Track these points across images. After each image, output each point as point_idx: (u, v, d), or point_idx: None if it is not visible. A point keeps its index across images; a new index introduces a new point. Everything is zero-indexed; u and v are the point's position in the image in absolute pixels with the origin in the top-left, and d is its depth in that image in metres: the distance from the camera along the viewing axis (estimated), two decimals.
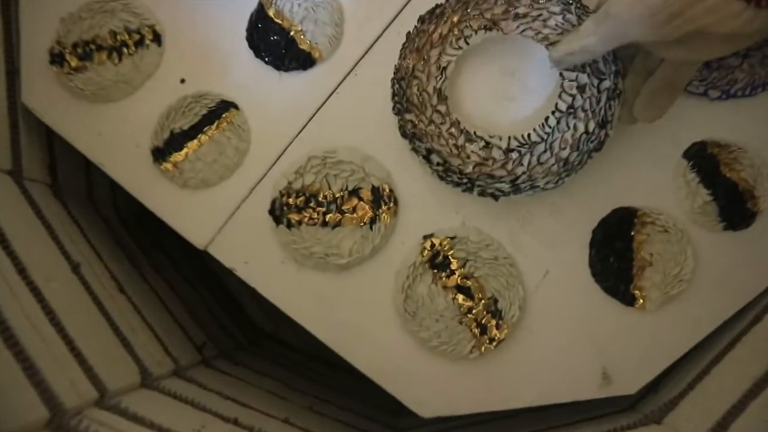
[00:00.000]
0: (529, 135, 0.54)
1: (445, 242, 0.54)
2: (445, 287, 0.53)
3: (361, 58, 0.59)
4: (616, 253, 0.55)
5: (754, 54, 0.59)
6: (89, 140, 0.58)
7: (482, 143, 0.54)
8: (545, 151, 0.53)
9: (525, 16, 0.56)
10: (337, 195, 0.55)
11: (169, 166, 0.56)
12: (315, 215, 0.54)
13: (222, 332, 0.81)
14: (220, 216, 0.56)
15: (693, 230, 0.55)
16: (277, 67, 0.58)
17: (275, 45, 0.58)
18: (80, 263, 0.57)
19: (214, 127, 0.57)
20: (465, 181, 0.54)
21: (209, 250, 0.55)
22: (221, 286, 0.92)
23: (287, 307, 0.54)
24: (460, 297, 0.53)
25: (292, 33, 0.58)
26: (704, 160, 0.56)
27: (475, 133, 0.55)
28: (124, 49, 0.59)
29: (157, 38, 0.59)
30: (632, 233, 0.55)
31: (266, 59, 0.58)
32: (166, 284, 0.75)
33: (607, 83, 0.53)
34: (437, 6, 0.57)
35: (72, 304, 0.52)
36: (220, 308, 0.86)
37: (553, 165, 0.53)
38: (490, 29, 0.56)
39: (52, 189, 0.64)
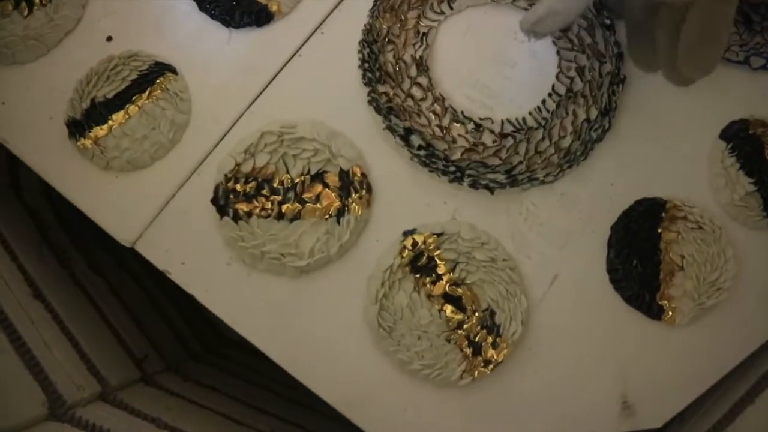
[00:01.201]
0: (524, 119, 0.45)
1: (430, 240, 0.43)
2: (429, 296, 0.43)
3: (329, 14, 0.48)
4: (639, 255, 0.45)
5: None
6: None
7: (471, 125, 0.44)
8: (543, 139, 0.45)
9: None
10: (297, 180, 0.44)
11: (88, 142, 0.45)
12: (268, 205, 0.43)
13: (174, 341, 0.70)
14: (151, 205, 0.45)
15: (733, 227, 0.45)
16: (226, 23, 0.47)
17: None
18: None
19: (145, 95, 0.46)
20: (453, 169, 0.44)
21: (137, 248, 0.44)
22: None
23: (233, 318, 0.43)
24: (449, 308, 0.43)
25: None
26: (746, 142, 0.47)
27: (462, 113, 0.44)
28: None
29: None
30: (659, 230, 0.45)
31: (212, 12, 0.47)
32: (107, 286, 0.64)
33: (608, 66, 0.46)
34: None
35: None
36: (175, 310, 0.75)
37: (552, 155, 0.44)
38: None
39: None
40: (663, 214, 0.45)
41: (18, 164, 0.62)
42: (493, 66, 0.47)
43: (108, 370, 0.52)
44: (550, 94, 0.47)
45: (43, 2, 0.48)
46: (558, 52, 0.48)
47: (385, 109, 0.45)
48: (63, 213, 0.66)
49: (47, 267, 0.56)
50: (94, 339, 0.54)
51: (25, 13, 0.48)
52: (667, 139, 0.47)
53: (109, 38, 0.48)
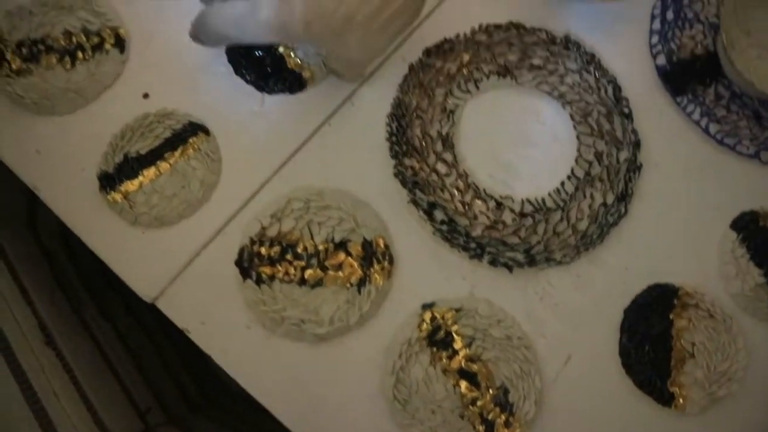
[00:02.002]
0: (543, 200, 0.46)
1: (448, 315, 0.44)
2: (445, 371, 0.43)
3: (360, 85, 0.50)
4: (651, 340, 0.45)
5: None
6: (25, 158, 0.48)
7: (492, 203, 0.46)
8: (561, 220, 0.46)
9: (541, 68, 0.49)
10: (321, 247, 0.45)
11: (118, 196, 0.46)
12: (292, 270, 0.44)
13: (176, 391, 0.69)
14: (175, 263, 0.45)
15: (744, 318, 0.46)
16: (260, 88, 0.49)
17: (259, 62, 0.49)
18: None
19: (177, 153, 0.47)
20: (473, 246, 0.45)
21: (158, 305, 0.45)
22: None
23: (249, 382, 0.43)
24: (464, 384, 0.43)
25: (280, 49, 0.49)
26: (756, 233, 0.48)
27: (485, 190, 0.46)
28: (79, 53, 0.50)
29: (120, 43, 0.50)
30: (671, 317, 0.46)
31: (247, 78, 0.49)
32: (115, 333, 0.64)
33: (625, 153, 0.48)
34: (446, 41, 0.50)
35: None
36: (178, 357, 0.75)
37: (570, 236, 0.45)
38: (503, 76, 0.49)
39: None
40: (675, 301, 0.46)
41: (37, 206, 0.63)
42: (515, 146, 0.49)
43: (113, 422, 0.51)
44: (569, 177, 0.48)
45: (86, 57, 0.49)
46: (578, 137, 0.49)
47: (411, 183, 0.46)
48: (77, 255, 0.66)
49: (59, 312, 0.56)
50: (100, 389, 0.53)
51: (68, 66, 0.49)
52: (680, 227, 0.48)
53: (146, 95, 0.49)
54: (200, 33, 0.43)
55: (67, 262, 0.65)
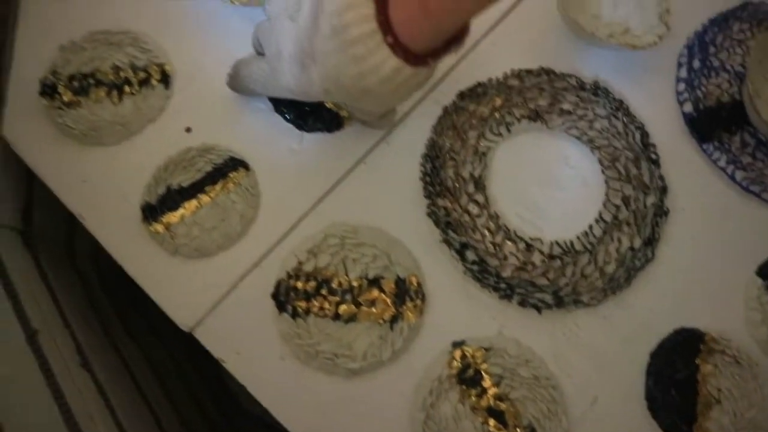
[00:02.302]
0: (572, 242, 0.47)
1: (478, 354, 0.45)
2: (474, 409, 0.44)
3: (395, 126, 0.52)
4: (677, 385, 0.46)
5: None
6: (71, 186, 0.50)
7: (523, 244, 0.47)
8: (589, 263, 0.47)
9: (570, 113, 0.51)
10: (355, 283, 0.46)
11: (160, 227, 0.48)
12: (326, 305, 0.45)
13: (199, 413, 0.70)
14: (212, 294, 0.47)
15: None
16: (299, 127, 0.51)
17: (298, 101, 0.51)
18: (39, 330, 0.48)
19: (218, 187, 0.49)
20: (503, 286, 0.46)
21: (195, 334, 0.46)
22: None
23: (281, 412, 0.44)
24: (492, 422, 0.44)
25: None
26: None
27: (515, 232, 0.47)
28: (126, 88, 0.52)
29: (165, 79, 0.52)
30: (697, 362, 0.46)
31: (287, 116, 0.51)
32: (141, 353, 0.65)
33: (652, 198, 0.50)
34: (479, 85, 0.51)
35: (17, 387, 0.43)
36: (200, 380, 0.76)
37: (597, 279, 0.46)
38: (534, 120, 0.50)
39: (23, 236, 0.55)
40: (701, 346, 0.47)
41: (75, 230, 0.65)
42: (545, 188, 0.50)
43: None
44: (597, 220, 0.49)
45: (133, 92, 0.52)
46: (606, 181, 0.51)
47: (444, 223, 0.47)
48: (104, 274, 0.68)
49: (93, 333, 0.57)
50: (130, 411, 0.55)
51: (116, 100, 0.51)
52: (706, 272, 0.49)
53: (188, 129, 0.51)
54: (234, 83, 0.47)
55: (97, 283, 0.67)
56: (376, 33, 0.34)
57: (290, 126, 0.51)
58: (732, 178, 0.52)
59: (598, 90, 0.53)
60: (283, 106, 0.51)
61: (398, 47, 0.34)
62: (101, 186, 0.50)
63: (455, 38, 0.37)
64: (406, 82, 0.36)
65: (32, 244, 0.55)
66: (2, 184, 0.53)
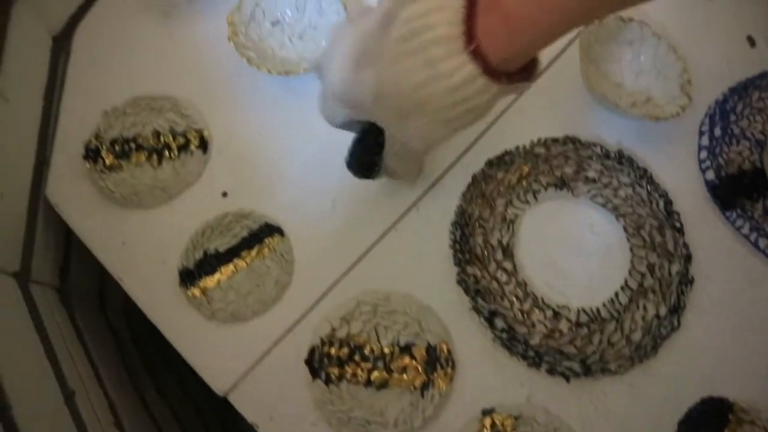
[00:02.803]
0: (598, 310, 0.48)
1: (507, 422, 0.45)
2: None
3: (425, 193, 0.53)
4: None
5: None
6: (111, 249, 0.52)
7: (550, 312, 0.48)
8: (615, 331, 0.48)
9: (595, 181, 0.52)
10: (386, 350, 0.47)
11: (197, 292, 0.49)
12: (359, 372, 0.46)
13: None
14: (247, 358, 0.48)
15: None
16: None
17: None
18: (75, 391, 0.49)
19: (254, 252, 0.50)
20: (532, 354, 0.47)
21: (230, 399, 0.47)
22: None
23: None
24: None
25: None
26: None
27: (542, 299, 0.48)
28: (166, 152, 0.54)
29: (204, 145, 0.54)
30: None
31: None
32: (170, 411, 0.66)
33: (677, 266, 0.51)
34: (506, 153, 0.53)
35: None
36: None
37: (624, 347, 0.47)
38: (560, 188, 0.52)
39: (60, 293, 0.57)
40: (730, 416, 0.47)
41: (106, 283, 0.66)
42: (571, 255, 0.52)
43: None
44: (622, 288, 0.50)
45: (172, 156, 0.54)
46: (631, 249, 0.52)
47: (473, 291, 0.48)
48: (137, 331, 0.70)
49: (126, 392, 0.58)
50: None
51: (155, 164, 0.53)
52: (733, 340, 0.50)
53: (225, 194, 0.53)
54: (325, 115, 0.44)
55: (128, 336, 0.68)
56: (459, 38, 0.34)
57: (322, 191, 0.53)
58: (756, 245, 0.53)
59: (622, 158, 0.54)
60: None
61: (478, 56, 0.34)
62: (140, 248, 0.51)
63: (528, 68, 0.37)
64: (471, 97, 0.36)
65: (68, 302, 0.57)
66: (45, 244, 0.54)
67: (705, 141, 0.57)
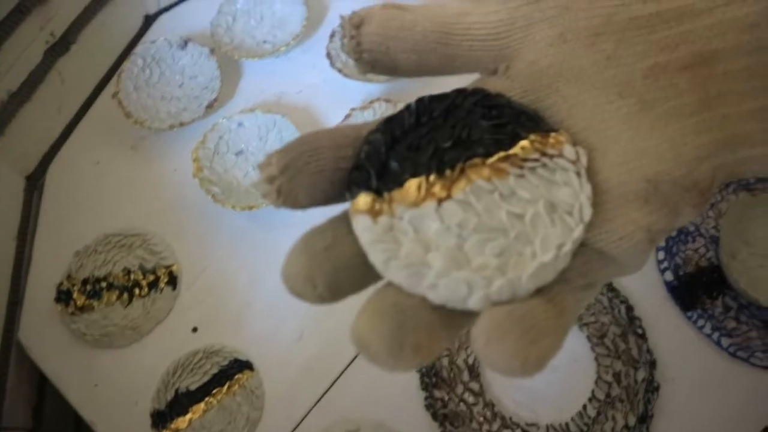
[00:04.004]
0: (567, 425, 0.49)
1: None
2: None
3: None
4: None
5: None
6: (84, 392, 0.52)
7: (519, 431, 0.48)
8: None
9: None
10: None
11: None
12: None
13: None
14: None
15: None
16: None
17: None
18: None
19: (224, 389, 0.51)
20: None
21: None
22: None
23: None
24: None
25: None
26: None
27: (511, 419, 0.49)
28: (136, 290, 0.55)
29: (173, 281, 0.55)
30: None
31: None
32: None
33: (642, 373, 0.51)
34: None
35: None
36: None
37: None
38: None
39: None
40: None
41: (82, 428, 0.66)
42: None
43: None
44: (590, 399, 0.51)
45: (142, 294, 0.55)
46: (596, 358, 0.53)
47: (441, 416, 0.49)
48: None
49: None
50: None
51: (126, 303, 0.55)
52: None
53: (195, 329, 0.54)
54: None
55: None
56: None
57: (291, 321, 0.54)
58: (718, 344, 0.54)
59: None
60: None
61: None
62: (112, 390, 0.52)
63: None
64: None
65: None
66: (16, 388, 0.55)
67: (662, 242, 0.58)
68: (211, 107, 0.60)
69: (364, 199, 0.19)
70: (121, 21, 0.66)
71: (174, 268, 0.56)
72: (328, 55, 0.62)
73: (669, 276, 0.57)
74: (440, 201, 0.19)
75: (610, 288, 0.55)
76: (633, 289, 0.56)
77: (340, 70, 0.61)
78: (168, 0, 0.70)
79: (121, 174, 0.62)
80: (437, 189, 0.19)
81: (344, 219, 0.20)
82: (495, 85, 0.22)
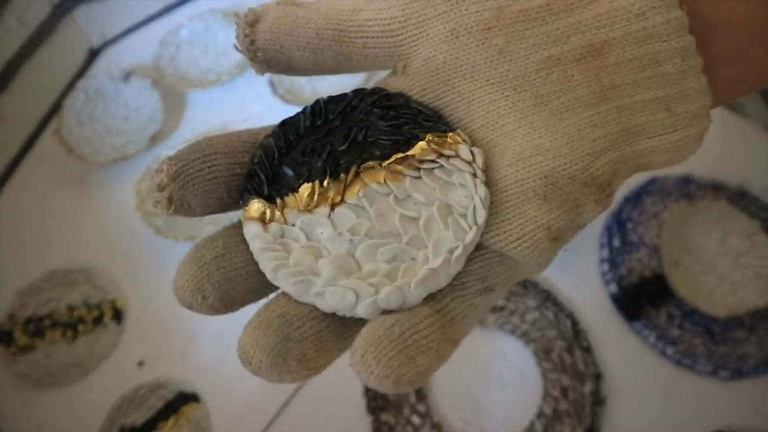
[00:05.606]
0: None
1: None
2: None
3: None
4: None
5: (759, 325, 0.56)
6: None
7: None
8: None
9: (503, 309, 0.53)
10: None
11: None
12: None
13: None
14: None
15: None
16: None
17: None
18: None
19: (170, 423, 0.50)
20: None
21: None
22: None
23: None
24: None
25: None
26: None
27: None
28: (80, 327, 0.55)
29: (118, 316, 0.55)
30: None
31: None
32: None
33: (589, 386, 0.51)
34: None
35: None
36: None
37: None
38: None
39: None
40: None
41: None
42: (486, 387, 0.52)
43: None
44: (538, 415, 0.51)
45: (87, 330, 0.54)
46: (543, 373, 0.53)
47: None
48: None
49: None
50: None
51: (70, 340, 0.54)
52: None
53: (141, 363, 0.54)
54: None
55: None
56: None
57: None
58: (663, 353, 0.54)
59: (526, 282, 0.56)
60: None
61: None
62: (57, 430, 0.51)
63: None
64: None
65: None
66: None
67: (605, 253, 0.59)
68: (154, 139, 0.60)
69: (255, 206, 0.19)
70: (63, 56, 0.66)
71: (119, 302, 0.56)
72: (271, 83, 0.63)
73: (613, 288, 0.57)
74: (333, 206, 0.19)
75: (555, 302, 0.55)
76: (578, 302, 0.56)
77: (282, 97, 0.61)
78: (113, 32, 0.70)
79: (66, 209, 0.61)
80: (331, 193, 0.19)
81: (238, 227, 0.20)
82: (395, 84, 0.21)
